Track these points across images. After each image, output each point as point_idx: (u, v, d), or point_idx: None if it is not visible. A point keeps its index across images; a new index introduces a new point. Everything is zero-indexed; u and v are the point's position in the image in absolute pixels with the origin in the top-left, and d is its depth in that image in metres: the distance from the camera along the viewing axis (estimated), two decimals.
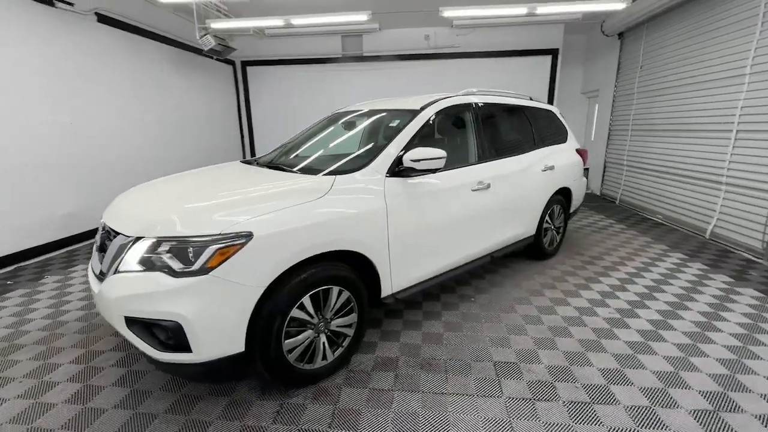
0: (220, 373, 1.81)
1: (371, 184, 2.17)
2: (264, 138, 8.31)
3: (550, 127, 3.85)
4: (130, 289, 1.64)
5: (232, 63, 7.88)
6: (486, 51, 7.34)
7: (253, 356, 1.78)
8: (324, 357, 2.06)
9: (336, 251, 2.00)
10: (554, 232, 3.85)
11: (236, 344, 1.70)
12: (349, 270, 2.07)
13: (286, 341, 1.86)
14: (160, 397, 1.96)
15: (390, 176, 2.25)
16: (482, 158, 2.91)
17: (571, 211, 4.10)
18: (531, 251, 3.72)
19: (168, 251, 1.63)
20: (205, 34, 5.41)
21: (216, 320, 1.63)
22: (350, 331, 2.16)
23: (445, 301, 3.00)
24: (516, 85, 7.14)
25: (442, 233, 2.54)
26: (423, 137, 2.55)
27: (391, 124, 2.65)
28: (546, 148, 3.60)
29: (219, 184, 2.23)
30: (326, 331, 2.05)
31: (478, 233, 2.85)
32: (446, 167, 2.67)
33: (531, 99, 3.76)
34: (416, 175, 2.34)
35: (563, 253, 4.03)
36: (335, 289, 2.01)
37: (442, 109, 2.73)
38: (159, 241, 1.64)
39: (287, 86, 8.00)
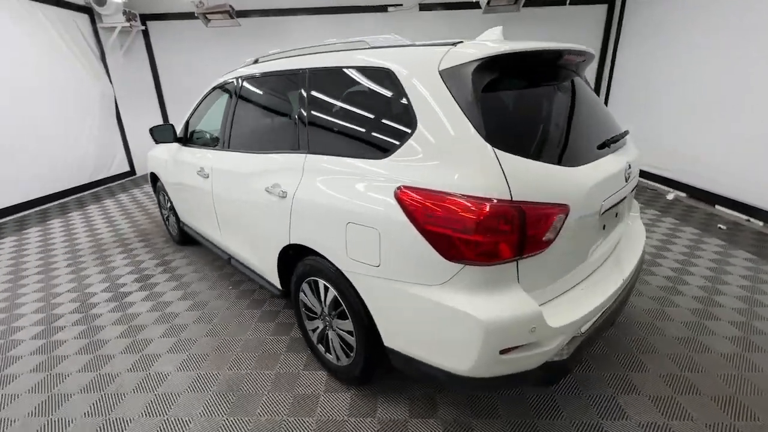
0: None
1: (170, 145, 3.30)
2: (625, 88, 6.18)
3: (358, 113, 1.60)
4: None
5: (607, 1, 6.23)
6: None
7: None
8: None
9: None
10: (335, 333, 1.88)
11: None
12: None
13: None
14: None
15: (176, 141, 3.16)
16: (225, 144, 2.50)
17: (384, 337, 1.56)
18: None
19: None
20: None
21: None
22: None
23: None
24: None
25: (190, 203, 3.03)
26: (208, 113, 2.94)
27: None
28: (303, 155, 1.76)
29: None
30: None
31: (213, 224, 2.73)
32: (210, 146, 2.77)
33: (372, 47, 1.66)
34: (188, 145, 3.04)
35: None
36: None
37: (218, 84, 2.73)
38: None
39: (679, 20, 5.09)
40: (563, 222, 1.28)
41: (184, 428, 1.75)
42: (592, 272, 1.60)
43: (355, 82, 1.65)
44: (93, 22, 6.06)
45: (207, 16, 5.74)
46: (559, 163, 1.33)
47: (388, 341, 1.55)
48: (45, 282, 3.19)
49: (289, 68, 2.00)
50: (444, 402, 1.84)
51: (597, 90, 6.70)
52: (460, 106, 1.28)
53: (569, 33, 6.40)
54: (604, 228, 1.61)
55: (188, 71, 6.93)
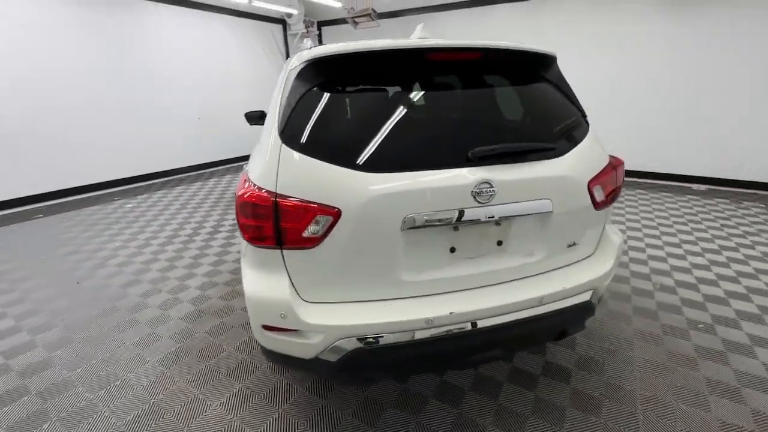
0: None
1: None
2: None
3: None
4: None
5: None
6: None
7: None
8: None
9: None
10: None
11: None
12: None
13: None
14: None
15: None
16: None
17: None
18: None
19: None
20: None
21: None
22: None
23: None
24: None
25: None
26: None
27: None
28: None
29: None
30: None
31: None
32: None
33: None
34: None
35: None
36: None
37: None
38: None
39: None
40: (331, 224, 1.26)
41: (157, 340, 2.34)
42: (430, 295, 1.40)
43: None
44: (284, 29, 7.76)
45: (355, 20, 6.50)
46: (352, 167, 1.27)
47: None
48: (186, 217, 4.55)
49: None
50: (314, 386, 1.81)
51: None
52: (280, 103, 1.41)
53: None
54: (452, 251, 1.39)
55: None
